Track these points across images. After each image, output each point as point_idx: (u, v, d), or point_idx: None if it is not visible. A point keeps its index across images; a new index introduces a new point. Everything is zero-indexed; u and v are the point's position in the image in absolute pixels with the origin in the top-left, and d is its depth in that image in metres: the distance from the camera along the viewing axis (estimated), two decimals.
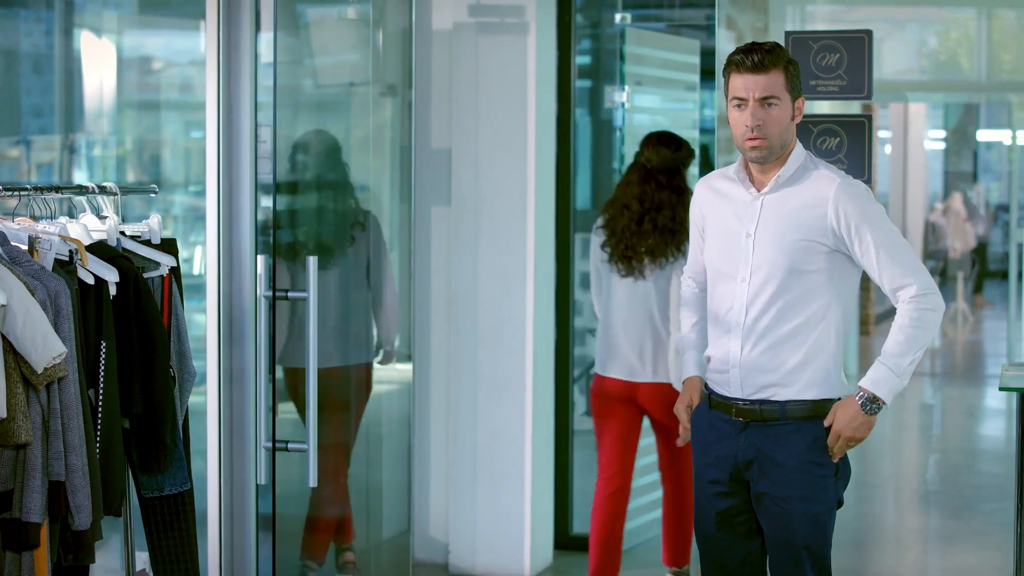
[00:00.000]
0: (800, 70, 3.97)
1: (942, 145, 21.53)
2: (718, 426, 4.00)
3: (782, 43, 4.65)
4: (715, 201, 4.03)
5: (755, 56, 3.84)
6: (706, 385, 4.08)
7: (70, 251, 3.84)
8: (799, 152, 3.95)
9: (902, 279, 3.85)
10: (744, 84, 3.85)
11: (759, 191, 3.94)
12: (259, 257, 4.33)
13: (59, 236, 3.86)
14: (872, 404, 3.84)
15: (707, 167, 8.58)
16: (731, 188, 4.00)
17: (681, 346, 4.25)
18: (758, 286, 3.89)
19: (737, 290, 3.93)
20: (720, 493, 4.00)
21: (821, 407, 3.90)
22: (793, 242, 3.87)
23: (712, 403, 4.02)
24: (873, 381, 3.84)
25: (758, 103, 3.84)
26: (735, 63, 3.87)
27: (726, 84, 3.91)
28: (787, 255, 3.87)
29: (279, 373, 5.31)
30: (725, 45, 6.22)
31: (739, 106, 3.87)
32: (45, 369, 3.60)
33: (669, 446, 5.75)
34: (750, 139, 3.86)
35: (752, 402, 3.92)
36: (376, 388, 5.87)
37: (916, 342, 3.84)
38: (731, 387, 3.96)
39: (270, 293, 4.36)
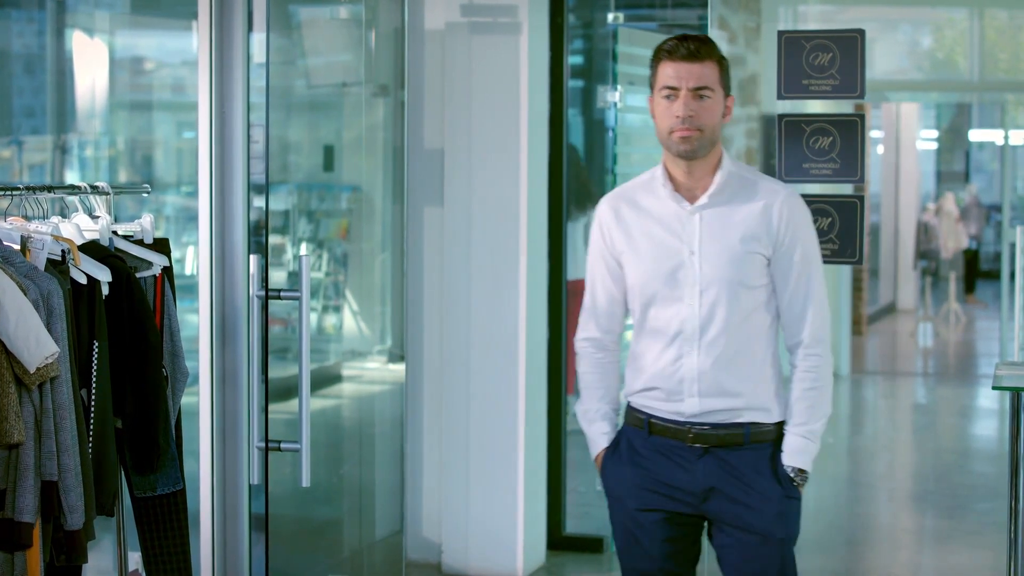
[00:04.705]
0: (731, 68, 3.79)
1: (934, 145, 21.56)
2: (667, 452, 3.74)
3: (775, 43, 4.66)
4: (637, 220, 3.76)
5: (690, 45, 3.65)
6: (638, 410, 3.80)
7: (63, 251, 3.84)
8: (728, 160, 3.75)
9: (809, 326, 3.72)
10: (676, 73, 3.64)
11: (692, 203, 3.72)
12: (252, 257, 4.33)
13: (51, 236, 3.86)
14: (799, 475, 3.73)
15: None
16: (656, 203, 3.75)
17: (588, 418, 3.89)
18: (711, 304, 3.67)
19: (685, 311, 3.69)
20: (668, 520, 3.76)
21: (781, 429, 3.75)
22: (740, 255, 3.68)
23: (653, 428, 3.76)
24: (792, 453, 3.72)
25: (691, 93, 3.63)
26: (667, 51, 3.67)
27: (654, 75, 3.71)
28: (735, 268, 3.67)
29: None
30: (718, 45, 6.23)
31: (669, 97, 3.66)
32: (38, 369, 3.59)
33: None
34: (680, 131, 3.64)
35: (712, 426, 3.70)
36: (369, 388, 5.86)
37: (820, 405, 3.73)
38: (685, 410, 3.71)
39: (263, 293, 4.35)
